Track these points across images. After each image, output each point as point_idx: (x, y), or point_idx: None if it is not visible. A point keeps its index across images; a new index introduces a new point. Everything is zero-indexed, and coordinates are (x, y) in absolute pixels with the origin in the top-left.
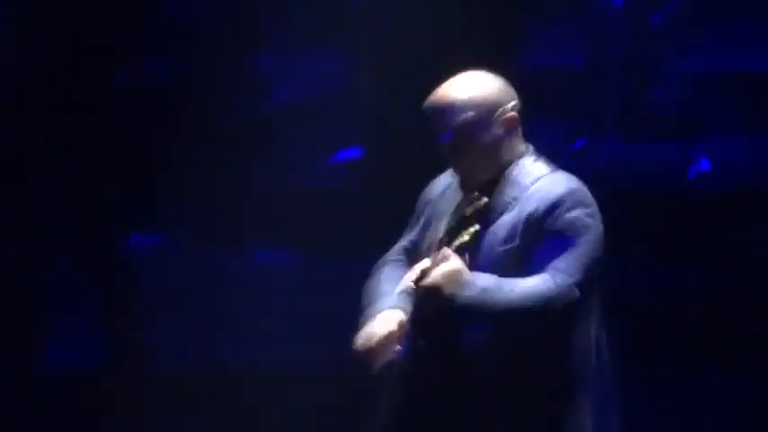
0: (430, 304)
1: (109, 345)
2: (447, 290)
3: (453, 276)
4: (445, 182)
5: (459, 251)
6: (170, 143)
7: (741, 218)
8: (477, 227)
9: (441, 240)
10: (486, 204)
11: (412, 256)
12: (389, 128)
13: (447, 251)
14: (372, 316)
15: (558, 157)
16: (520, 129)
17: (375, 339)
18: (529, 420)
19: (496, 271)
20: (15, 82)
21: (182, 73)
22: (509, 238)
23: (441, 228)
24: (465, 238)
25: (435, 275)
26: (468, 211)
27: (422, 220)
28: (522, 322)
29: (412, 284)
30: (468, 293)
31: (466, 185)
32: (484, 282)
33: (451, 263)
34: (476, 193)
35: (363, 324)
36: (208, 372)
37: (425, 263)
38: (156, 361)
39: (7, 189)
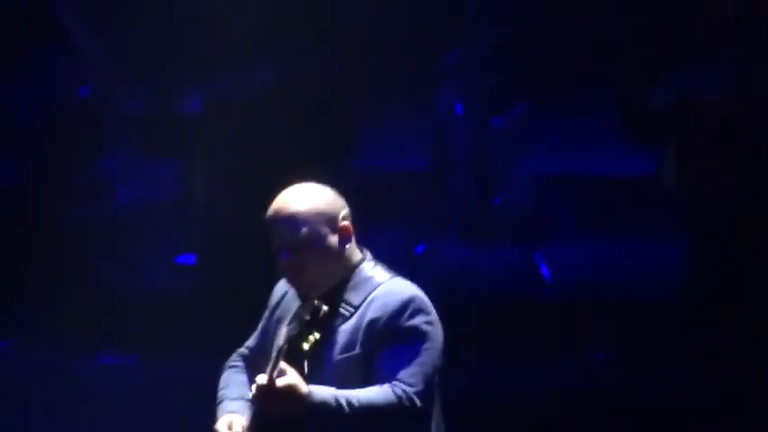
0: (269, 418)
1: None
2: (283, 408)
3: (290, 393)
4: (284, 288)
5: (299, 360)
6: (12, 245)
7: (582, 321)
8: (316, 335)
9: (281, 349)
10: (326, 312)
11: (251, 361)
12: (225, 233)
13: (283, 366)
14: (218, 417)
15: (400, 262)
16: (354, 237)
17: None
18: None
19: (336, 379)
20: None
21: (24, 174)
22: (349, 346)
23: (282, 335)
24: (305, 346)
25: (272, 392)
26: (308, 319)
27: (260, 326)
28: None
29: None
30: (304, 410)
31: (308, 296)
32: (321, 396)
33: (288, 378)
34: (315, 301)
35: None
36: None
37: (262, 378)
38: None
39: None
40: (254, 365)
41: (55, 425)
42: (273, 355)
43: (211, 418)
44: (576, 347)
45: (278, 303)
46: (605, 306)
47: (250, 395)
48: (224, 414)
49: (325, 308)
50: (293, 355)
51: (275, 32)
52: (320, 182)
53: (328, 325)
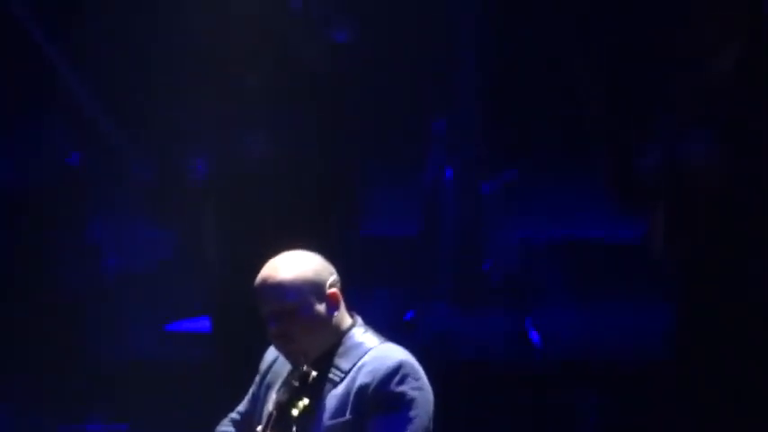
0: None
1: None
2: None
3: None
4: (274, 353)
5: (288, 426)
6: (0, 311)
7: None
8: (306, 401)
9: (270, 415)
10: (315, 378)
11: (241, 427)
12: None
13: None
14: None
15: (389, 328)
16: (342, 303)
17: None
18: None
19: None
20: None
21: (12, 241)
22: (339, 411)
23: (271, 400)
24: (294, 412)
25: None
26: (297, 385)
27: (251, 391)
28: None
29: None
30: None
31: (298, 363)
32: None
33: None
34: (305, 367)
35: None
36: None
37: None
38: None
39: None
40: (245, 430)
41: None
42: (263, 421)
43: None
44: (565, 412)
45: (268, 369)
46: (593, 370)
47: None
48: None
49: (314, 374)
50: (283, 422)
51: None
52: (324, 248)
53: (318, 390)
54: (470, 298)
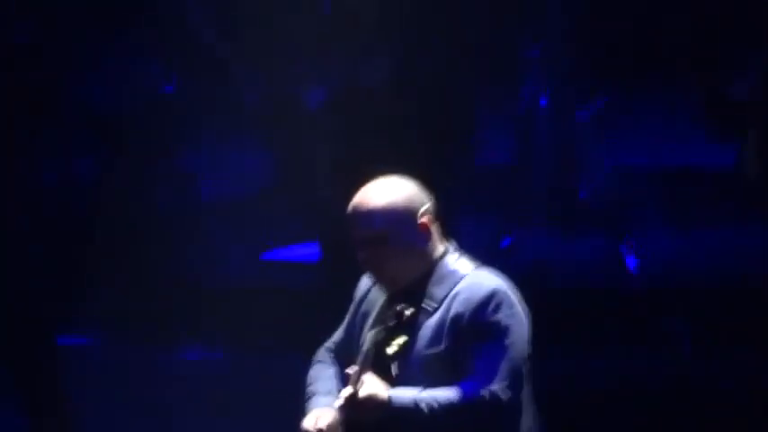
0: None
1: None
2: (367, 415)
3: (371, 401)
4: (369, 282)
5: (386, 364)
6: (97, 239)
7: (668, 312)
8: (401, 339)
9: (366, 355)
10: (409, 316)
11: (337, 356)
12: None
13: (366, 375)
14: (307, 412)
15: (486, 254)
16: (437, 230)
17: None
18: None
19: (423, 375)
20: None
21: (109, 168)
22: (434, 341)
23: (367, 335)
24: (393, 349)
25: (356, 402)
26: (392, 322)
27: (346, 320)
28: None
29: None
30: (386, 416)
31: (389, 290)
32: (401, 402)
33: (369, 387)
34: (401, 305)
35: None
36: None
37: (347, 390)
38: None
39: None
40: (341, 360)
41: (140, 419)
42: (359, 360)
43: (298, 411)
44: (661, 338)
45: (363, 297)
46: (689, 297)
47: (336, 402)
48: (312, 409)
49: (408, 312)
50: (379, 360)
51: (389, 29)
52: (435, 177)
53: (413, 322)
54: (566, 225)
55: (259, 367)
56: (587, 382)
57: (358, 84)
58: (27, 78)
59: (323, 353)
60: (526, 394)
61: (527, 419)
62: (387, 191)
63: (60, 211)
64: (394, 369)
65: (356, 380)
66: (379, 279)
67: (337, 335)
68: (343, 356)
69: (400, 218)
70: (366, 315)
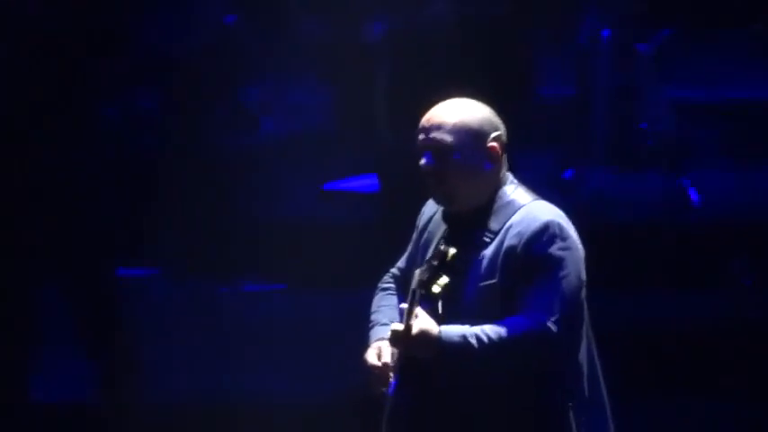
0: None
1: (98, 375)
2: (417, 351)
3: (422, 337)
4: (432, 209)
5: (434, 302)
6: (157, 175)
7: (727, 249)
8: (446, 279)
9: (414, 293)
10: (455, 255)
11: (402, 283)
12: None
13: (416, 311)
14: (370, 341)
15: (547, 188)
16: (503, 159)
17: (369, 366)
18: None
19: (476, 308)
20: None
21: (168, 104)
22: (489, 273)
23: (415, 273)
24: (437, 289)
25: (407, 338)
26: (436, 264)
27: (410, 249)
28: (504, 367)
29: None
30: (437, 351)
31: (446, 213)
32: (450, 337)
33: (420, 323)
34: (442, 246)
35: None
36: (197, 401)
37: (397, 325)
38: (145, 391)
39: None
40: (404, 289)
41: (200, 352)
42: (408, 298)
43: (359, 344)
44: (722, 273)
45: (425, 226)
46: (751, 232)
47: (387, 335)
48: (374, 341)
49: (452, 251)
50: (427, 299)
51: None
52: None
53: (470, 252)
54: (626, 159)
55: (319, 301)
56: (645, 321)
57: (417, 16)
58: (88, 18)
59: (387, 279)
60: (584, 326)
61: (581, 355)
62: (463, 109)
63: (123, 146)
64: (439, 307)
65: (409, 316)
66: (438, 192)
67: (401, 262)
68: (407, 285)
69: (471, 135)
70: (427, 245)
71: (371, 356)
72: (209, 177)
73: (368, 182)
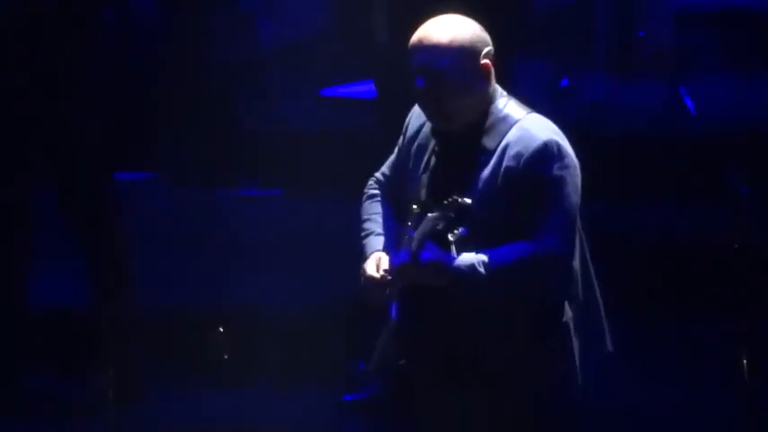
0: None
1: (95, 281)
2: (425, 280)
3: (432, 267)
4: (419, 120)
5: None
6: (156, 82)
7: (726, 156)
8: (461, 230)
9: (424, 233)
10: (468, 205)
11: (388, 192)
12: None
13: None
14: (365, 251)
15: (544, 97)
16: (493, 75)
17: (366, 278)
18: (519, 348)
19: (478, 232)
20: None
21: (167, 11)
22: (488, 195)
23: (415, 190)
24: (450, 239)
25: (414, 268)
26: (452, 214)
27: (395, 155)
28: (515, 291)
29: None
30: (445, 281)
31: (438, 131)
32: (460, 264)
33: (429, 252)
34: (455, 197)
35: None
36: (196, 306)
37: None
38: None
39: None
40: (392, 197)
41: (197, 256)
42: (417, 236)
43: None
44: (719, 181)
45: (414, 136)
46: (749, 144)
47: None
48: (372, 251)
49: (468, 201)
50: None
51: None
52: (491, 16)
53: (467, 173)
54: (625, 66)
55: (315, 209)
56: (643, 233)
57: None
58: None
59: (373, 185)
60: (579, 247)
61: (579, 257)
62: (453, 26)
63: (122, 50)
64: (453, 253)
65: (417, 247)
66: (434, 113)
67: (386, 167)
68: (394, 192)
69: (463, 55)
70: (418, 157)
71: (371, 267)
72: (207, 82)
73: (366, 88)
